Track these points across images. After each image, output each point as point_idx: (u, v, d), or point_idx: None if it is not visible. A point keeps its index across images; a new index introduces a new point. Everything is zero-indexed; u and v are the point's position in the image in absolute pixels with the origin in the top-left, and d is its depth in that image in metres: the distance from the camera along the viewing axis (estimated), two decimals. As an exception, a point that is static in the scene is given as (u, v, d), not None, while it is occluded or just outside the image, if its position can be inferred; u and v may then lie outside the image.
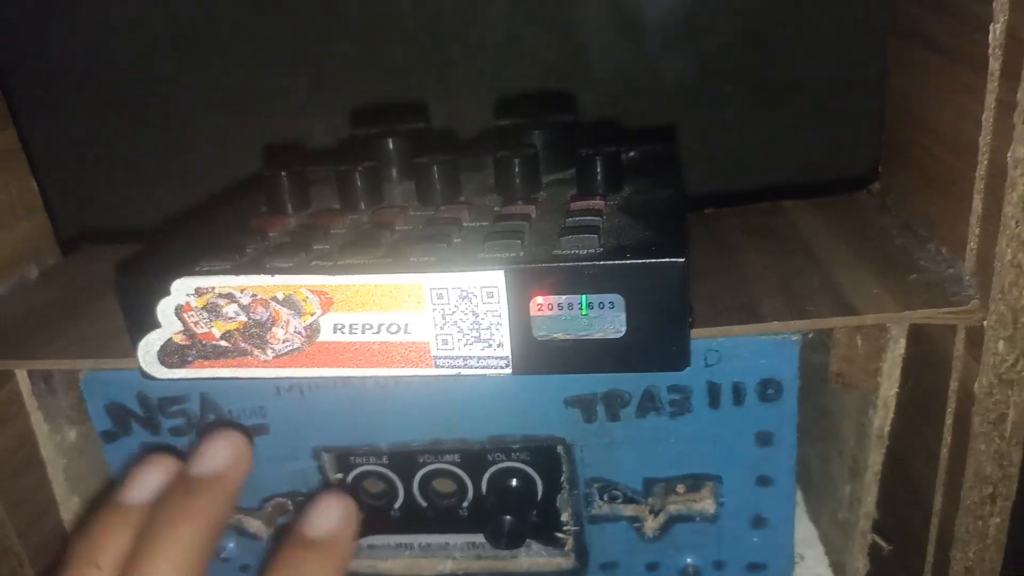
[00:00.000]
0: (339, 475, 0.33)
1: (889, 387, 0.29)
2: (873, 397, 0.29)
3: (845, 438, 0.32)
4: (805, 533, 0.36)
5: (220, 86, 0.47)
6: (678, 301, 0.24)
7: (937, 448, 0.29)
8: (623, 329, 0.25)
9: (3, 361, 0.31)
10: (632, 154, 0.34)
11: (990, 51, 0.25)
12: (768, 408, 0.29)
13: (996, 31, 0.25)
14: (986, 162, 0.26)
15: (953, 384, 0.28)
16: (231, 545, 0.35)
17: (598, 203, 0.28)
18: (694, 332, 0.27)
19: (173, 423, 0.33)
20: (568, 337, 0.25)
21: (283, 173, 0.32)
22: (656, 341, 0.25)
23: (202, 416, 0.32)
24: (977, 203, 0.27)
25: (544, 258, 0.25)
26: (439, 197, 0.31)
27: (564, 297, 0.25)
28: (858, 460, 0.31)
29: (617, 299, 0.24)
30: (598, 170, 0.29)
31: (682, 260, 0.24)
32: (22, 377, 0.33)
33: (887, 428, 0.30)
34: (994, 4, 0.25)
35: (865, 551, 0.32)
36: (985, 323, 0.27)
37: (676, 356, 0.25)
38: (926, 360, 0.29)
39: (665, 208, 0.28)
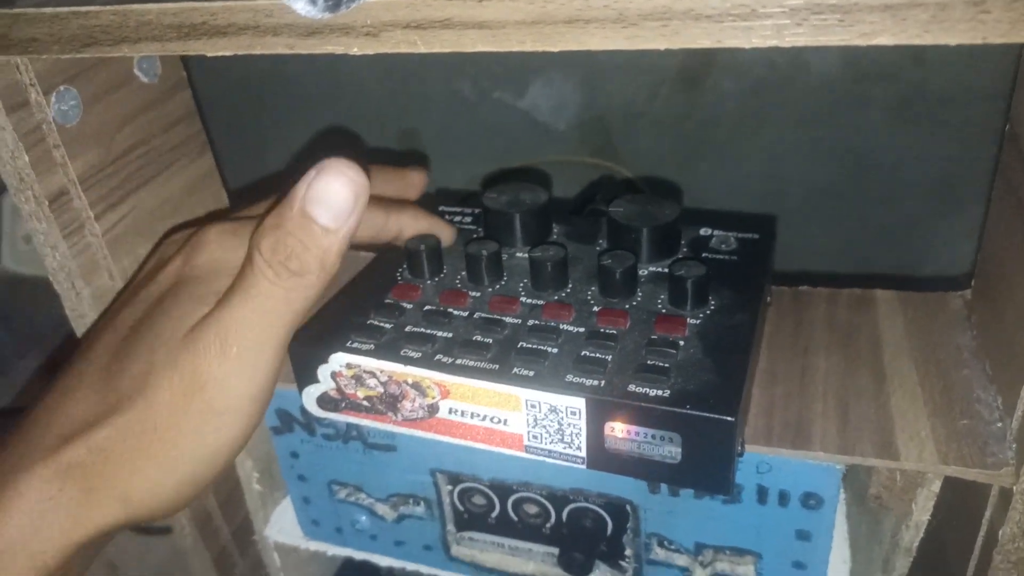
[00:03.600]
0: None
1: (921, 514, 0.33)
2: (907, 519, 0.33)
3: (884, 535, 0.36)
4: (844, 590, 0.41)
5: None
6: (727, 445, 0.29)
7: (963, 570, 0.33)
8: (678, 458, 0.30)
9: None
10: (726, 249, 0.37)
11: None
12: (809, 513, 0.34)
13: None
14: (1041, 353, 0.28)
15: (984, 523, 0.32)
16: (364, 519, 0.44)
17: (680, 328, 0.33)
18: (748, 446, 0.32)
19: (325, 431, 0.41)
20: (633, 454, 0.31)
21: (422, 247, 0.38)
22: (705, 470, 0.30)
23: (347, 431, 0.41)
24: (1029, 381, 0.29)
25: (620, 392, 0.30)
26: (549, 287, 0.36)
27: (632, 426, 0.30)
28: (890, 559, 0.35)
29: (675, 436, 0.29)
30: (687, 291, 0.34)
31: (732, 419, 0.28)
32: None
33: (915, 544, 0.34)
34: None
35: (885, 629, 0.37)
36: (1015, 487, 0.30)
37: (721, 484, 0.30)
38: (962, 495, 0.33)
39: (735, 344, 0.32)
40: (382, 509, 0.43)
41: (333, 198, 0.30)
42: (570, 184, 0.56)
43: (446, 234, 0.39)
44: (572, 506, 0.39)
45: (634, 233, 0.37)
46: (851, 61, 0.47)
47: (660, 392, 0.30)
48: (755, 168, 0.52)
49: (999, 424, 0.31)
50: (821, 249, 0.54)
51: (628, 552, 0.39)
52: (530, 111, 0.56)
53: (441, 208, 0.43)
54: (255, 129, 0.52)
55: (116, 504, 0.30)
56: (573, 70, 0.52)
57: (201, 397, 0.30)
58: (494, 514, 0.41)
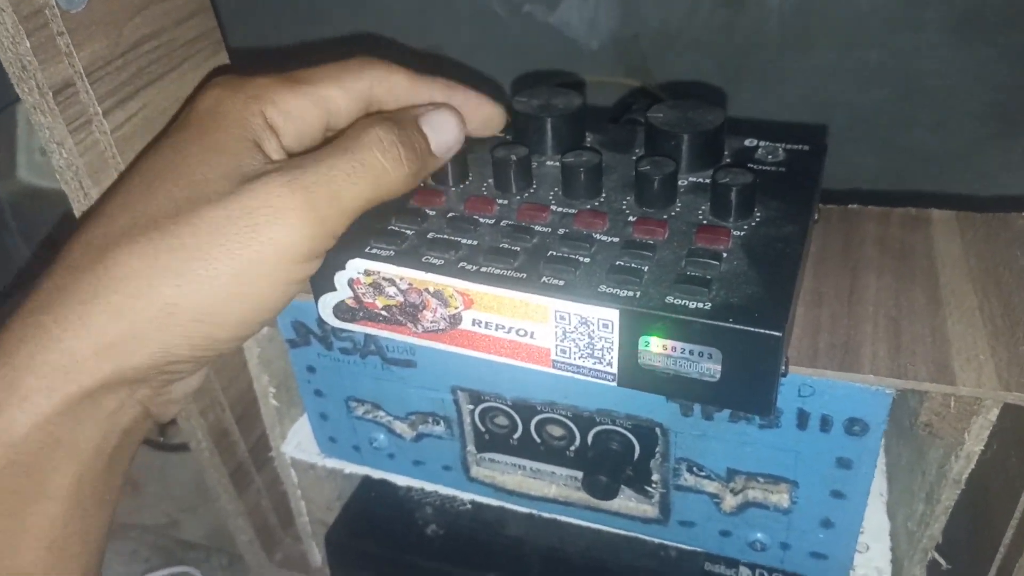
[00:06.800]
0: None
1: (974, 444, 0.30)
2: (958, 449, 0.31)
3: (929, 466, 0.34)
4: (878, 524, 0.39)
5: None
6: (771, 363, 0.27)
7: (1013, 503, 0.31)
8: (718, 376, 0.28)
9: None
10: (773, 160, 0.35)
11: None
12: (852, 440, 0.32)
13: None
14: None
15: (1041, 454, 0.30)
16: (382, 437, 0.43)
17: (723, 238, 0.30)
18: (791, 368, 0.30)
19: (342, 345, 0.40)
20: (668, 371, 0.29)
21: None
22: (746, 389, 0.28)
23: (365, 345, 0.39)
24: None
25: (657, 304, 0.28)
26: (581, 195, 0.34)
27: (669, 341, 0.28)
28: (934, 490, 0.33)
29: (715, 352, 0.27)
30: (731, 200, 0.31)
31: (779, 334, 0.26)
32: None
33: (965, 476, 0.32)
34: None
35: (924, 564, 0.35)
36: (1081, 417, 0.27)
37: (763, 405, 0.28)
38: (1020, 425, 0.30)
39: (783, 256, 0.29)
40: (400, 427, 0.42)
41: (444, 132, 0.32)
42: (601, 107, 0.53)
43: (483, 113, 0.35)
44: (598, 428, 0.37)
45: (674, 140, 0.34)
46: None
47: (701, 304, 0.27)
48: (800, 92, 0.49)
49: (1067, 350, 0.29)
50: (868, 175, 0.51)
51: (655, 477, 0.38)
52: (562, 28, 0.53)
53: None
54: (272, 30, 0.49)
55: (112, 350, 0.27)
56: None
57: (268, 234, 0.27)
58: (516, 435, 0.40)
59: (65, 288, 0.27)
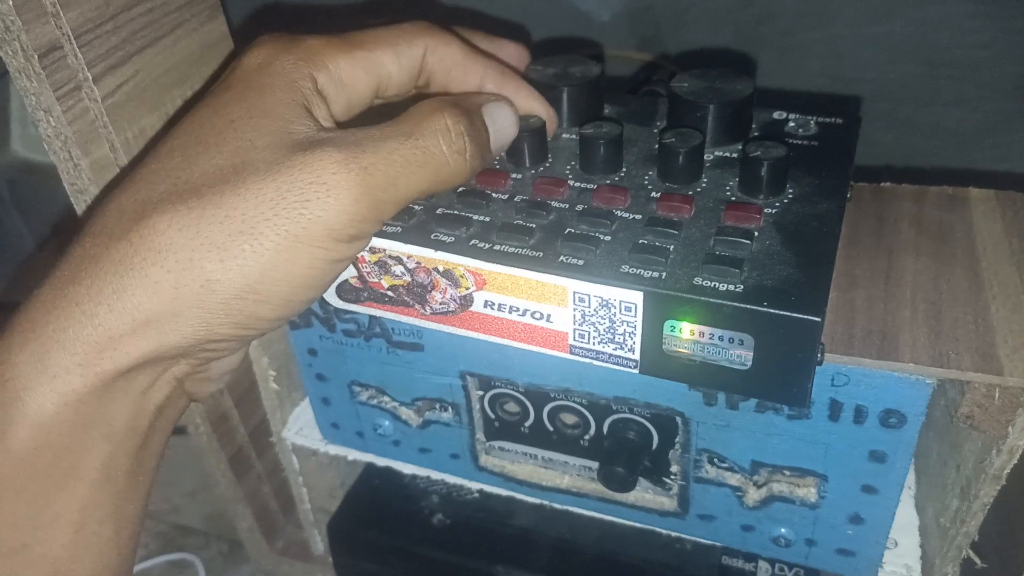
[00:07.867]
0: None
1: (1019, 438, 0.29)
2: (1000, 442, 0.29)
3: (965, 459, 0.32)
4: (906, 519, 0.37)
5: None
6: (808, 350, 0.25)
7: (1057, 498, 0.29)
8: (749, 364, 0.26)
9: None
10: (805, 134, 0.32)
11: None
12: (887, 432, 0.30)
13: None
14: None
15: (1091, 449, 0.28)
16: (386, 423, 0.41)
17: (755, 215, 0.28)
18: (825, 356, 0.28)
19: (345, 327, 0.38)
20: (695, 358, 0.27)
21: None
22: (779, 379, 0.26)
23: (369, 327, 0.37)
24: None
25: (684, 286, 0.26)
26: (600, 169, 0.31)
27: (697, 326, 0.26)
28: (971, 486, 0.31)
29: (747, 338, 0.25)
30: (762, 175, 0.29)
31: (818, 320, 0.24)
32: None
33: (1007, 471, 0.30)
34: None
35: (958, 562, 0.33)
36: None
37: (797, 396, 0.26)
38: (1069, 418, 0.28)
39: (819, 235, 0.27)
40: (406, 414, 0.40)
41: (503, 129, 0.30)
42: (616, 81, 0.51)
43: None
44: (615, 417, 0.36)
45: (700, 111, 0.32)
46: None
47: (732, 287, 0.25)
48: (819, 65, 0.47)
49: (1124, 338, 0.27)
50: (892, 152, 0.48)
51: (674, 469, 0.36)
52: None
53: None
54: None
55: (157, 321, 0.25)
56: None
57: (318, 211, 0.25)
58: (528, 423, 0.38)
59: (98, 258, 0.25)
